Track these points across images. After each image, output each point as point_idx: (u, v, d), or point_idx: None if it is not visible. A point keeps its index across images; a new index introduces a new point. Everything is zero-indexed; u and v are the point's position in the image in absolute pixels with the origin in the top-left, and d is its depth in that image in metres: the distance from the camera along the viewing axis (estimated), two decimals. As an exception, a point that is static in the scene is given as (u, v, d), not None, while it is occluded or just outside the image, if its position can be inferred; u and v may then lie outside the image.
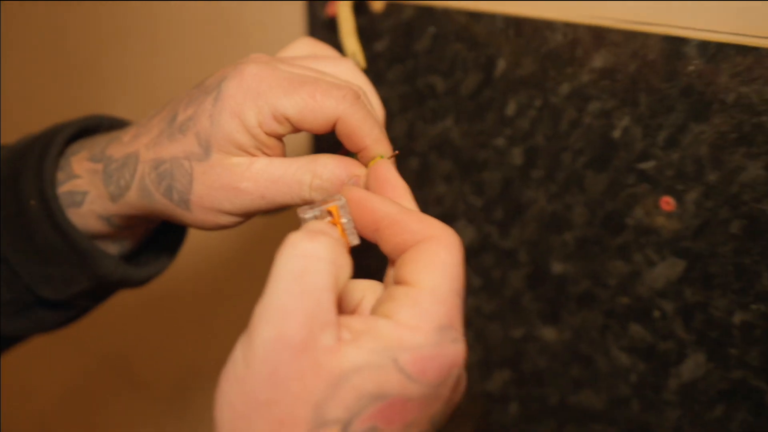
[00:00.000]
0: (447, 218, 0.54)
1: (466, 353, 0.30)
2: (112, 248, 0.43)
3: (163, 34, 0.71)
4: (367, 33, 0.54)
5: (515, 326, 0.52)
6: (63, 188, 0.40)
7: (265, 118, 0.36)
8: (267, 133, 0.36)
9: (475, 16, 0.48)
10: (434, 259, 0.29)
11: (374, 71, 0.54)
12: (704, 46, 0.40)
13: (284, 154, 0.39)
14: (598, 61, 0.44)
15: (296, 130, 0.37)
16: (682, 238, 0.44)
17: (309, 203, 0.37)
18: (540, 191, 0.49)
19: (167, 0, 0.68)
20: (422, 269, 0.29)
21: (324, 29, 0.56)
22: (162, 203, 0.38)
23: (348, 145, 0.37)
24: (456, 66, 0.50)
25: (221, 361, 0.29)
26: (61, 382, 1.02)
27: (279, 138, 0.38)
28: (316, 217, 0.34)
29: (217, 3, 0.64)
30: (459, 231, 0.53)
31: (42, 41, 0.83)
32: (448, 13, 0.49)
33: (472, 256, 0.53)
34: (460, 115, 0.51)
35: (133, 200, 0.39)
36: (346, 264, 0.29)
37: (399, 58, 0.53)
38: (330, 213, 0.34)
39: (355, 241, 0.34)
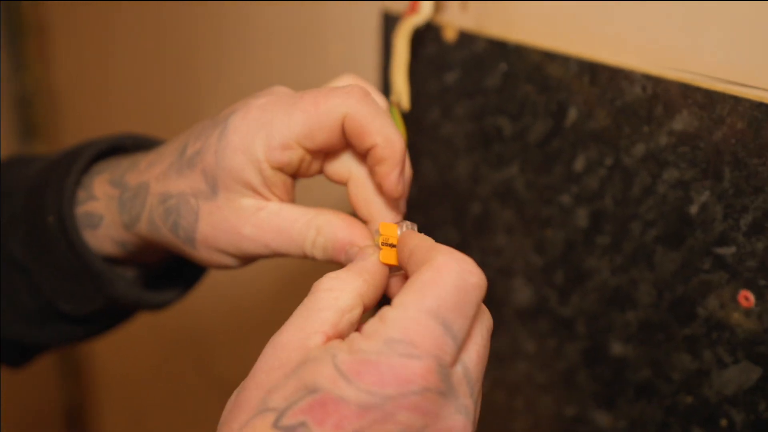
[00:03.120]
0: (504, 273, 0.50)
1: (434, 378, 0.27)
2: (130, 271, 0.43)
3: (257, 35, 0.72)
4: (438, 63, 0.50)
5: (567, 403, 0.48)
6: (82, 208, 0.40)
7: (273, 149, 0.34)
8: (274, 167, 0.35)
9: (549, 56, 0.44)
10: (416, 279, 0.29)
11: (442, 105, 0.51)
12: (805, 120, 0.34)
13: (293, 196, 0.37)
14: (680, 122, 0.39)
15: (310, 153, 0.36)
16: (761, 341, 0.37)
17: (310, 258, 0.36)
18: (604, 260, 0.44)
19: (259, 0, 0.69)
20: (403, 289, 0.29)
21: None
22: (169, 238, 0.38)
23: (358, 145, 0.35)
24: (525, 109, 0.46)
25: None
26: (147, 366, 1.08)
27: (289, 174, 0.36)
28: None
29: (304, 7, 0.64)
30: (516, 289, 0.49)
31: (141, 41, 0.87)
32: (520, 50, 0.45)
33: (527, 318, 0.49)
34: (526, 163, 0.47)
35: (143, 231, 0.38)
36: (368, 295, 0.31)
37: (468, 93, 0.49)
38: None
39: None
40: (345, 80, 0.40)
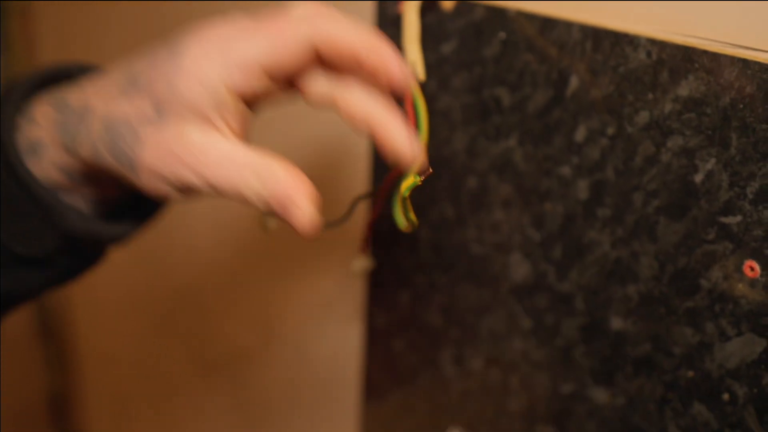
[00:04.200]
0: (502, 249, 0.49)
1: None
2: (83, 204, 0.40)
3: None
4: (435, 33, 0.49)
5: (564, 380, 0.47)
6: (23, 134, 0.37)
7: (233, 76, 0.33)
8: (233, 95, 0.34)
9: (550, 23, 0.43)
10: None
11: (439, 76, 0.50)
12: (816, 83, 0.33)
13: (246, 129, 0.36)
14: (685, 88, 0.38)
15: (276, 82, 0.35)
16: (766, 312, 0.37)
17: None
18: (605, 233, 0.43)
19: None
20: None
21: (393, 26, 0.53)
22: (111, 163, 0.35)
23: (343, 64, 0.35)
24: (525, 79, 0.45)
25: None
26: (137, 353, 1.06)
27: (249, 104, 0.35)
28: None
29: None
30: (513, 265, 0.48)
31: (127, 21, 0.85)
32: (520, 17, 0.44)
33: (525, 294, 0.48)
34: (524, 135, 0.46)
35: (87, 156, 0.36)
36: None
37: (466, 64, 0.48)
38: None
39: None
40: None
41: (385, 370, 0.61)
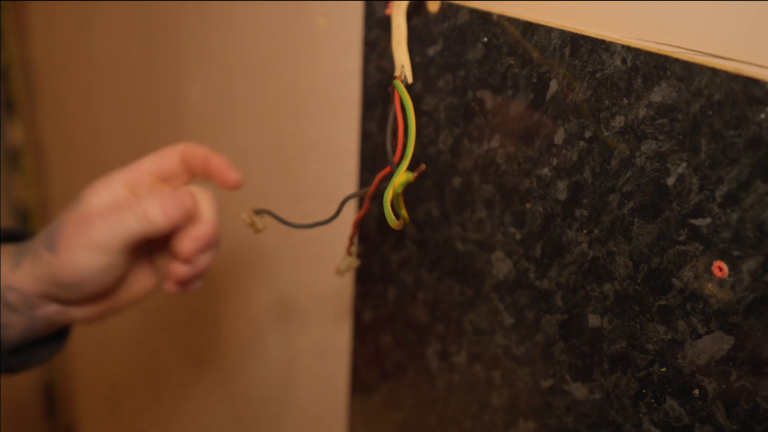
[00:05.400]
0: (484, 247, 0.50)
1: None
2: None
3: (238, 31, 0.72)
4: (421, 35, 0.51)
5: (544, 376, 0.49)
6: None
7: (112, 183, 0.51)
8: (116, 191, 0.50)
9: (531, 28, 0.44)
10: None
11: (425, 78, 0.51)
12: (780, 91, 0.35)
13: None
14: (658, 95, 0.39)
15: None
16: (733, 311, 0.38)
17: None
18: (582, 233, 0.45)
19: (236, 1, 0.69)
20: None
21: (380, 27, 0.54)
22: (44, 263, 0.48)
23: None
24: (507, 82, 0.47)
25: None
26: (131, 351, 1.08)
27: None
28: None
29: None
30: (495, 263, 0.50)
31: (120, 14, 0.86)
32: (503, 22, 0.46)
33: (506, 291, 0.50)
34: (506, 136, 0.47)
35: (28, 272, 0.49)
36: None
37: (450, 66, 0.50)
38: None
39: None
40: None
41: (372, 364, 0.63)
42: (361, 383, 0.65)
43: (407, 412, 0.61)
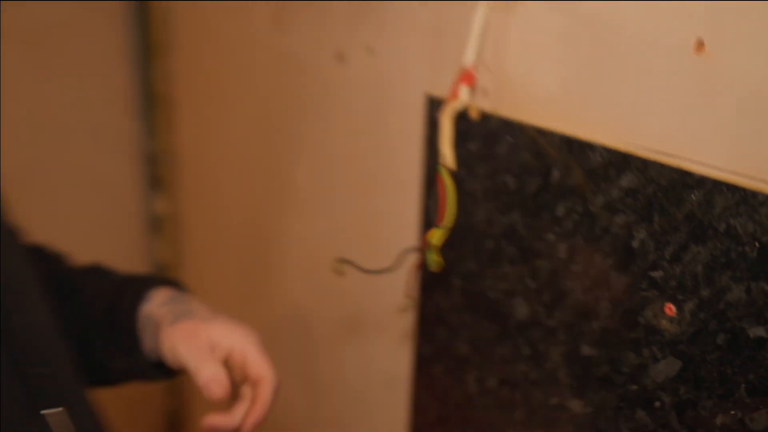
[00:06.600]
0: (508, 294, 0.62)
1: None
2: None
3: (338, 114, 0.88)
4: (465, 134, 0.65)
5: (552, 395, 0.59)
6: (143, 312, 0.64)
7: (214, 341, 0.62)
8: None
9: (540, 132, 0.57)
10: None
11: (467, 165, 0.65)
12: (704, 180, 0.46)
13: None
14: (625, 181, 0.51)
15: None
16: (680, 341, 0.49)
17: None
18: (577, 283, 0.56)
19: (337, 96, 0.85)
20: None
21: (433, 128, 0.69)
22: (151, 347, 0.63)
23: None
24: (524, 170, 0.59)
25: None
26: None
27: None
28: None
29: (373, 98, 0.79)
30: (516, 306, 0.62)
31: (248, 112, 1.05)
32: (521, 127, 0.59)
33: (524, 328, 0.61)
34: (524, 210, 0.60)
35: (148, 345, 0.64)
36: None
37: (485, 157, 0.63)
38: None
39: None
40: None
41: (427, 388, 0.74)
42: (418, 404, 0.76)
43: (452, 428, 0.72)
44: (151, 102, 1.26)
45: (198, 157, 1.24)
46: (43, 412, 0.51)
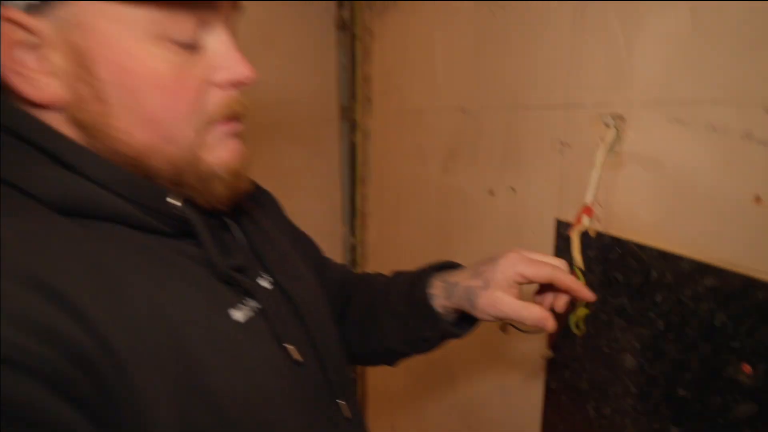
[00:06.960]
0: (619, 350, 0.66)
1: None
2: (450, 318, 0.61)
3: (484, 224, 0.96)
4: (587, 245, 0.71)
5: (654, 423, 0.62)
6: (430, 292, 0.61)
7: (516, 275, 0.55)
8: (515, 282, 0.55)
9: (639, 246, 0.63)
10: None
11: (588, 267, 0.71)
12: (764, 284, 0.50)
13: (520, 295, 0.57)
14: (707, 281, 0.56)
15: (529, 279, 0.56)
16: (755, 391, 0.51)
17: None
18: (672, 346, 0.60)
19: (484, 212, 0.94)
20: None
21: (564, 240, 0.76)
22: (465, 306, 0.57)
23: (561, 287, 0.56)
24: (629, 270, 0.65)
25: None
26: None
27: (519, 283, 0.56)
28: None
29: (515, 216, 0.87)
30: (626, 360, 0.66)
31: (428, 187, 1.14)
32: (627, 243, 0.65)
33: (632, 375, 0.65)
34: (630, 296, 0.65)
35: (455, 302, 0.59)
36: None
37: (599, 261, 0.69)
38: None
39: None
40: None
41: (555, 414, 0.78)
42: (548, 428, 0.80)
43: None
44: (353, 214, 1.37)
45: (381, 251, 1.35)
46: (337, 400, 0.52)
